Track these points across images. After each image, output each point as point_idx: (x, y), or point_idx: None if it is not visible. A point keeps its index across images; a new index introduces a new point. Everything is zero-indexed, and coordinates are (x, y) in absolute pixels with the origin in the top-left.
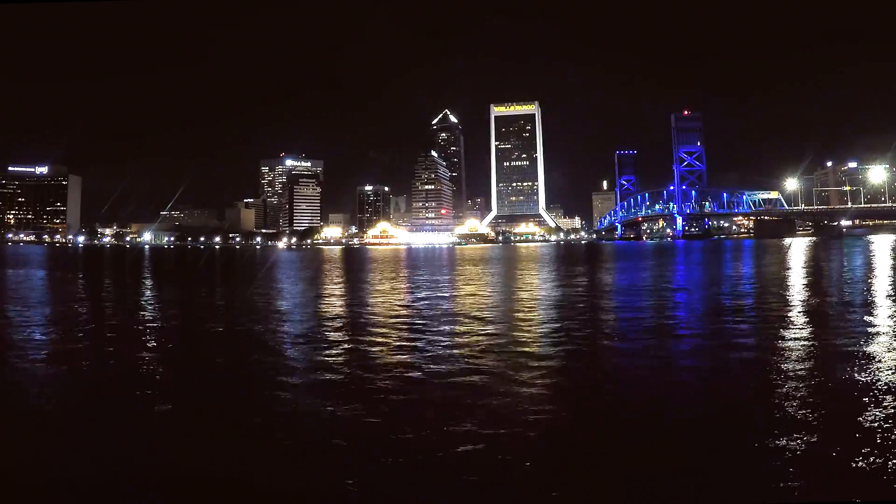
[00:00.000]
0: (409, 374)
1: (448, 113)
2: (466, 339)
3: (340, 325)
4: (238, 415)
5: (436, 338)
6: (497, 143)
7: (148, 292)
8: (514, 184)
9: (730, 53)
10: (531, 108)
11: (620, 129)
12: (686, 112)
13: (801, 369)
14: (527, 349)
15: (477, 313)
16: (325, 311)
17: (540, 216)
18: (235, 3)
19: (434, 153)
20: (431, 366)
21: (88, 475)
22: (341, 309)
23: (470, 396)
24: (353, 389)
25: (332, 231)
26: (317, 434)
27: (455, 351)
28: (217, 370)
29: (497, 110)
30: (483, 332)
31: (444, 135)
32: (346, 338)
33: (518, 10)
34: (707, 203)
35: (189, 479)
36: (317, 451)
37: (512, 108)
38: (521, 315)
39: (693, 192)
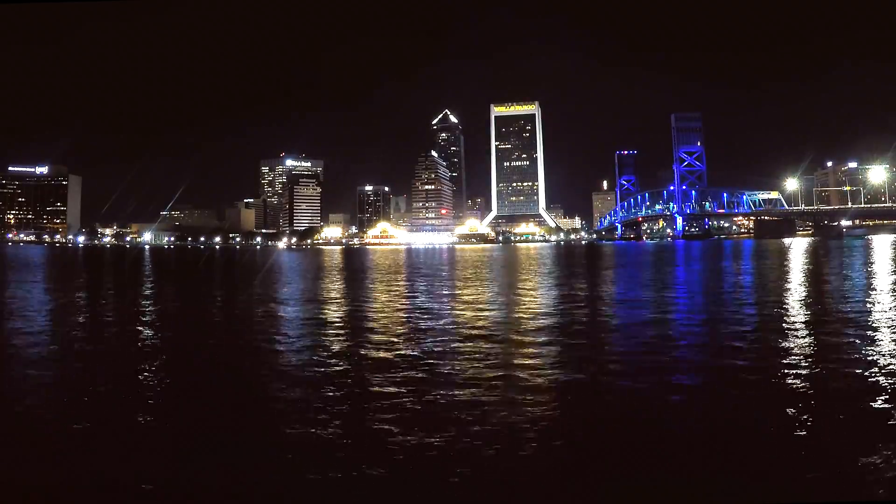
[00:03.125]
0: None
1: (448, 113)
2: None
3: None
4: (234, 426)
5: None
6: (497, 143)
7: (146, 302)
8: (514, 184)
9: (729, 53)
10: (531, 108)
11: (620, 129)
12: (686, 112)
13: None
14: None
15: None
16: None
17: (540, 216)
18: (235, 3)
19: (434, 153)
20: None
21: (77, 487)
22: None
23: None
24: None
25: (332, 231)
26: (314, 449)
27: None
28: (213, 383)
29: (497, 110)
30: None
31: (444, 135)
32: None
33: (518, 8)
34: (707, 203)
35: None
36: (313, 466)
37: (512, 108)
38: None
39: (693, 192)
